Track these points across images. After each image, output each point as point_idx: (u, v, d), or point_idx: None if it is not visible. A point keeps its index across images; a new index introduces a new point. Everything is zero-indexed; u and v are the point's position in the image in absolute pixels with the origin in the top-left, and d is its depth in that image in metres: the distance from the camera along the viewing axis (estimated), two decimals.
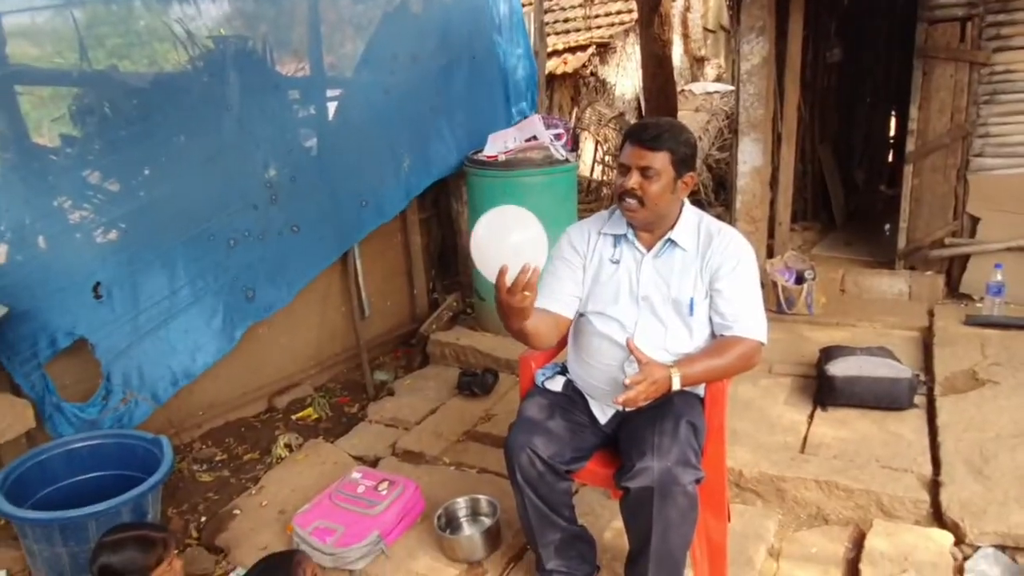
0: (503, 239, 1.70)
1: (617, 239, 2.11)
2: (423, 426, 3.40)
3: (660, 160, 1.93)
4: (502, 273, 1.69)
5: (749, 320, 2.00)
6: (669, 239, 2.05)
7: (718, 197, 6.78)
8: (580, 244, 2.14)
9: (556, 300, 2.10)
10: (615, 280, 2.08)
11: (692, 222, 2.06)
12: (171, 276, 3.00)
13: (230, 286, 3.18)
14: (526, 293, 1.72)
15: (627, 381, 1.85)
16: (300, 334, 3.83)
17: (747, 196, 4.40)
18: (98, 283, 2.80)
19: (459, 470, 3.02)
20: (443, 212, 4.70)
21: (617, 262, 2.09)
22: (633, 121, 8.90)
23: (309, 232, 3.49)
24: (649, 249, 2.08)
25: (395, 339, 4.40)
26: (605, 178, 7.58)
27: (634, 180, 1.95)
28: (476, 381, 3.64)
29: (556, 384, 2.25)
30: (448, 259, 4.84)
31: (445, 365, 4.05)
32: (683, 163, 1.96)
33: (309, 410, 3.63)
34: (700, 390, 2.16)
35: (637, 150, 1.93)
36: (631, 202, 1.99)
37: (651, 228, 2.05)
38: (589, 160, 8.11)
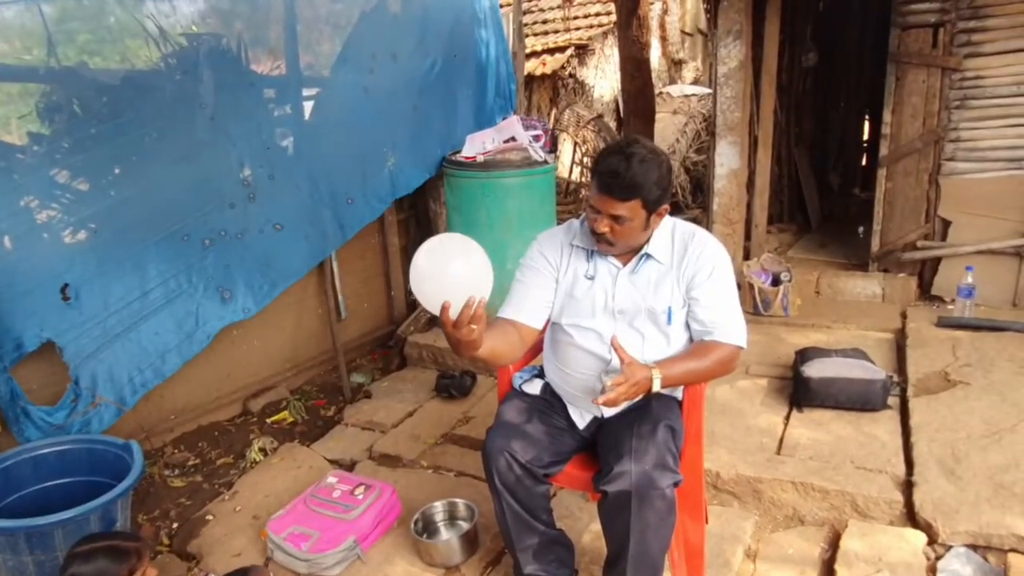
0: (445, 270, 1.64)
1: (590, 253, 2.09)
2: (400, 429, 3.38)
3: (631, 208, 1.90)
4: (445, 309, 1.64)
5: (728, 325, 2.01)
6: (645, 253, 2.04)
7: (695, 200, 6.82)
8: (552, 255, 2.11)
9: (522, 310, 2.08)
10: (590, 295, 2.06)
11: (666, 232, 2.06)
12: (142, 277, 2.95)
13: (205, 287, 3.14)
14: (472, 326, 1.67)
15: (608, 383, 1.84)
16: (275, 336, 3.79)
17: (724, 199, 4.42)
18: (66, 284, 2.74)
19: (437, 473, 3.01)
20: (421, 213, 4.67)
21: (592, 278, 2.07)
22: (611, 123, 8.93)
23: (294, 230, 3.46)
24: (625, 264, 2.07)
25: (372, 341, 4.36)
26: (584, 179, 7.59)
27: (605, 224, 1.93)
28: (454, 383, 3.62)
29: (534, 387, 2.24)
30: None
31: (423, 367, 4.03)
32: (657, 201, 1.94)
33: (284, 413, 3.60)
34: (678, 393, 2.16)
35: (607, 199, 1.90)
36: (602, 244, 1.99)
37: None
38: (568, 162, 8.11)
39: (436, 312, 1.64)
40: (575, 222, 2.17)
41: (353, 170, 3.75)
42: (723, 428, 2.97)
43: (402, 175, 3.97)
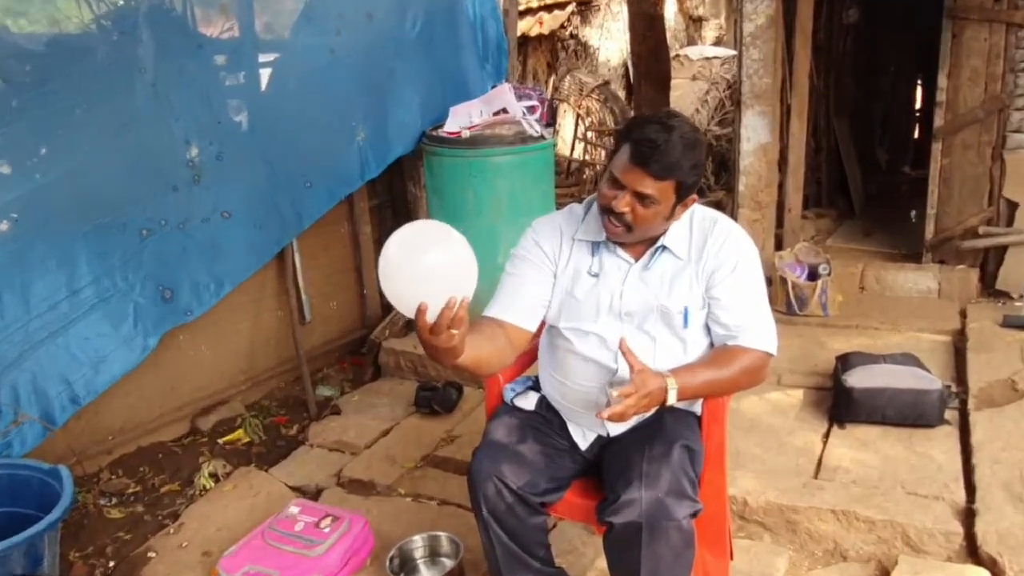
0: (420, 264, 1.60)
1: (595, 247, 2.08)
2: (374, 450, 3.38)
3: (662, 189, 1.90)
4: (421, 311, 1.61)
5: (755, 328, 2.00)
6: (661, 246, 2.04)
7: (719, 180, 6.82)
8: (550, 245, 2.10)
9: (512, 308, 2.07)
10: (594, 295, 2.06)
11: (683, 219, 2.05)
12: (71, 274, 2.93)
13: (142, 284, 3.11)
14: (453, 331, 1.65)
15: (615, 394, 1.83)
16: (228, 343, 3.77)
17: (752, 179, 4.42)
18: None
19: (416, 502, 3.00)
20: (398, 198, 4.65)
21: (596, 275, 2.07)
22: (620, 92, 8.95)
23: (244, 218, 3.44)
24: (637, 259, 2.06)
25: (341, 347, 4.35)
26: (588, 157, 7.59)
27: (626, 203, 1.92)
28: (437, 396, 3.61)
29: (528, 401, 2.23)
30: None
31: (400, 378, 4.02)
32: (689, 189, 1.94)
33: (239, 432, 3.59)
34: (696, 407, 2.15)
35: (638, 173, 1.88)
36: (616, 226, 1.97)
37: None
38: (569, 137, 8.11)
39: (410, 315, 1.62)
40: (577, 207, 2.16)
41: (317, 147, 3.73)
42: (751, 448, 2.96)
43: (374, 152, 3.95)
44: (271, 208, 3.56)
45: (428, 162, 3.96)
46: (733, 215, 4.50)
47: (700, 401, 2.13)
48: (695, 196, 2.00)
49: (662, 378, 1.90)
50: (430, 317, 1.62)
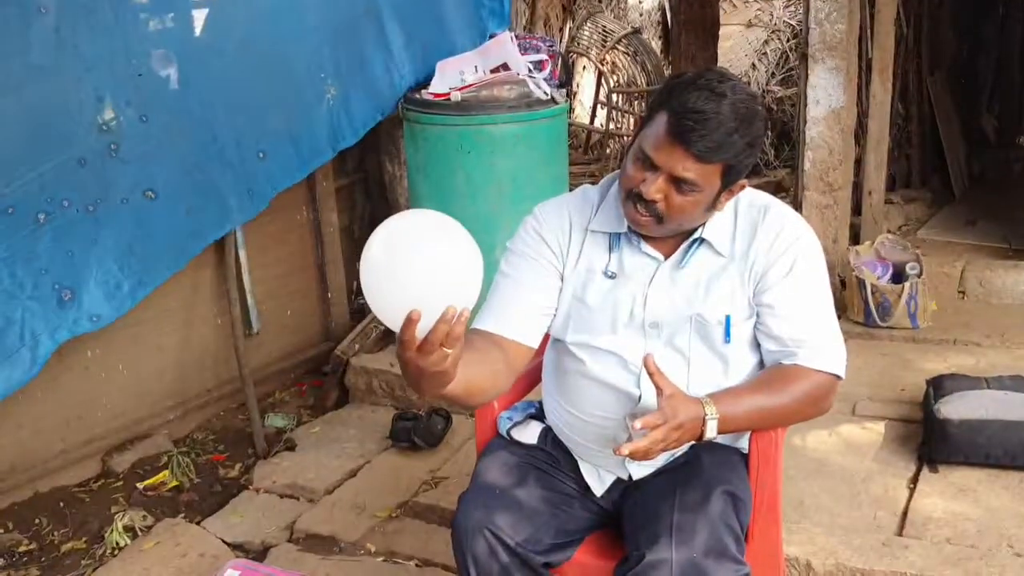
0: (413, 265, 1.58)
1: (614, 240, 2.09)
2: (338, 496, 3.38)
3: (706, 173, 1.88)
4: (412, 321, 1.58)
5: (818, 344, 2.00)
6: (699, 238, 2.04)
7: (779, 154, 6.82)
8: (556, 238, 2.11)
9: (509, 320, 2.07)
10: (611, 301, 2.07)
11: (728, 205, 2.05)
12: None
13: (35, 283, 3.11)
14: (446, 350, 1.64)
15: (638, 425, 1.83)
16: (151, 360, 3.77)
17: (821, 153, 4.41)
18: None
19: (390, 563, 2.99)
20: (371, 177, 4.66)
21: (614, 276, 2.08)
22: (654, 43, 8.95)
23: (173, 199, 3.43)
24: (667, 255, 2.06)
25: (298, 366, 4.35)
26: (613, 126, 7.60)
27: (658, 188, 1.91)
28: (418, 427, 3.61)
29: (529, 434, 2.23)
30: None
31: (372, 404, 4.03)
32: (739, 172, 1.94)
33: (164, 474, 3.59)
34: (743, 442, 2.15)
35: (677, 152, 1.87)
36: (644, 216, 1.96)
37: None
38: (588, 101, 8.12)
39: (396, 326, 1.61)
40: (591, 190, 2.16)
41: (274, 108, 3.73)
42: (816, 496, 2.96)
43: (348, 115, 3.95)
44: (210, 186, 3.56)
45: (409, 131, 3.96)
46: (797, 200, 4.49)
47: (747, 436, 2.13)
48: (745, 182, 1.99)
49: (698, 405, 1.90)
50: (421, 331, 1.59)
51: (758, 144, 1.94)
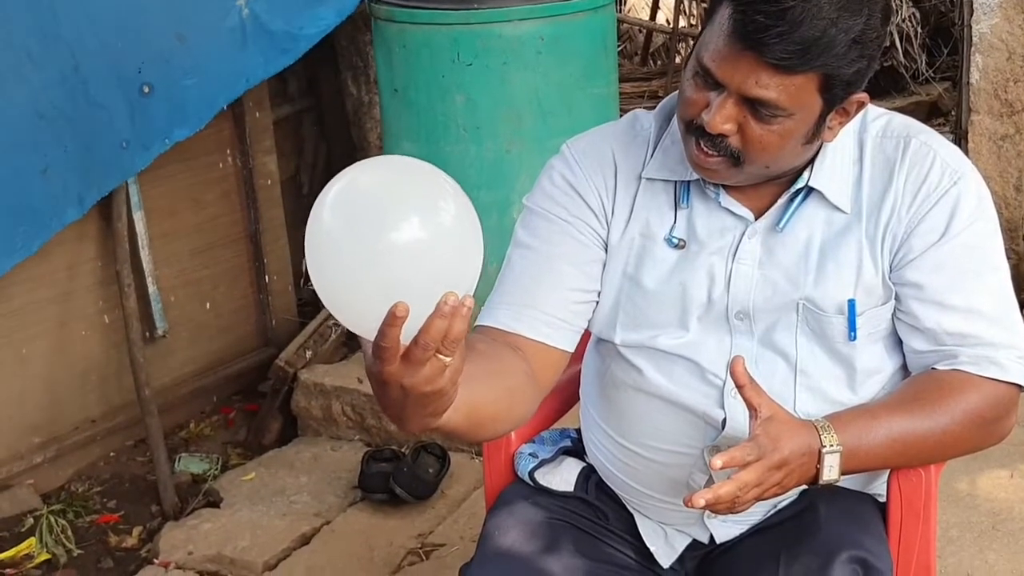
0: (387, 237, 1.55)
1: (682, 191, 2.10)
2: (281, 574, 3.41)
3: (798, 89, 1.87)
4: (396, 319, 1.50)
5: (992, 341, 1.99)
6: (805, 187, 2.03)
7: (932, 60, 6.79)
8: (595, 192, 2.12)
9: (531, 313, 2.07)
10: (678, 282, 2.07)
11: (845, 136, 2.04)
12: None
13: None
14: (443, 358, 1.65)
15: (718, 464, 1.83)
16: (7, 376, 3.81)
17: (997, 57, 4.40)
18: None
19: None
20: (328, 104, 4.68)
21: (682, 244, 2.08)
22: None
23: (18, 154, 3.48)
24: (759, 213, 2.06)
25: (223, 384, 4.40)
26: (688, 23, 7.59)
27: (726, 115, 1.89)
28: (401, 472, 3.63)
29: (562, 477, 2.24)
30: None
31: (332, 437, 4.07)
32: (850, 82, 1.91)
33: (29, 543, 3.62)
34: (878, 486, 2.16)
35: (749, 61, 1.85)
36: (712, 157, 1.95)
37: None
38: None
39: (366, 329, 1.57)
40: (644, 117, 2.16)
41: (160, 21, 3.77)
42: (991, 566, 2.97)
43: (274, 25, 3.98)
44: (74, 133, 3.60)
45: (381, 36, 3.97)
46: (960, 128, 4.48)
47: (884, 477, 2.13)
48: (863, 96, 1.98)
49: (811, 432, 1.89)
50: (407, 334, 1.53)
51: (873, 40, 1.90)
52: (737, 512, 1.89)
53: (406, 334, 1.50)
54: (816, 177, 2.02)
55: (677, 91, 2.07)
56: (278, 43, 4.01)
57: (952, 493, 3.13)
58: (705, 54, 1.88)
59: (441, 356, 1.52)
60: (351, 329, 1.58)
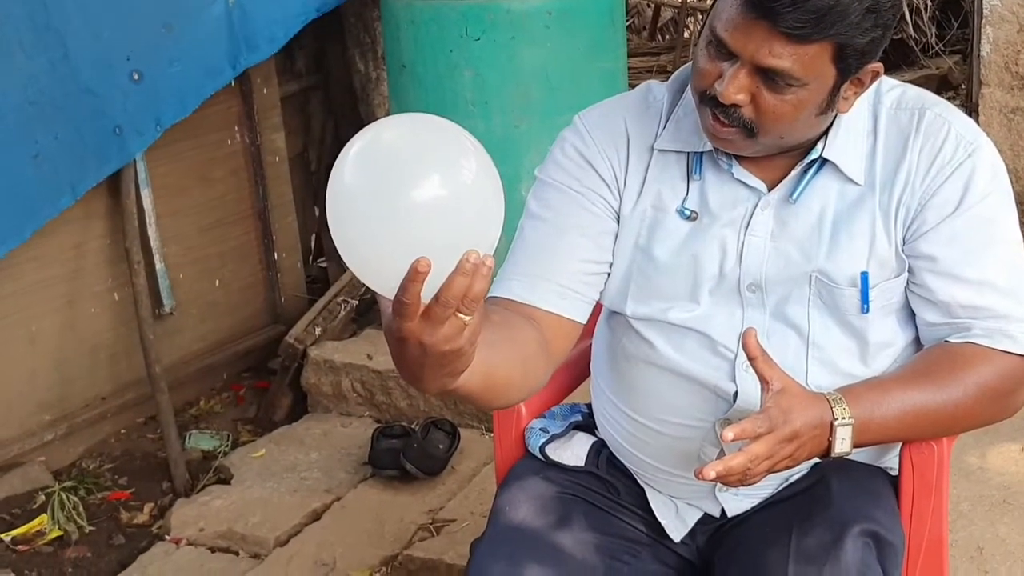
0: (412, 192, 1.55)
1: (695, 162, 2.09)
2: (294, 549, 3.41)
3: (812, 59, 1.87)
4: (419, 274, 1.48)
5: (1002, 313, 1.99)
6: (819, 159, 2.02)
7: (942, 33, 6.76)
8: (607, 163, 2.12)
9: (544, 284, 2.07)
10: (690, 253, 2.07)
11: (859, 107, 2.03)
12: None
13: None
14: (463, 316, 1.64)
15: (729, 435, 1.82)
16: (18, 355, 3.82)
17: (1008, 30, 4.38)
18: None
19: None
20: (335, 80, 4.67)
21: (694, 216, 2.09)
22: None
23: (9, 141, 3.49)
24: (773, 184, 2.06)
25: (232, 361, 4.41)
26: None
27: (739, 86, 1.89)
28: (411, 448, 3.64)
29: (573, 452, 2.23)
30: None
31: (342, 414, 4.07)
32: (864, 52, 1.90)
33: (41, 520, 3.63)
34: (890, 459, 2.16)
35: (762, 30, 1.84)
36: (726, 127, 1.94)
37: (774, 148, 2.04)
38: None
39: (387, 287, 1.57)
40: (657, 89, 2.16)
41: (146, 10, 3.78)
42: (1002, 541, 2.96)
43: (260, 11, 3.99)
44: (65, 120, 3.61)
45: (389, 11, 3.97)
46: (971, 101, 4.47)
47: (897, 450, 2.13)
48: (878, 66, 1.97)
49: (822, 404, 1.89)
50: (428, 292, 1.53)
51: (888, 9, 1.89)
52: (749, 485, 1.90)
53: (426, 291, 1.50)
54: (830, 148, 2.01)
55: (690, 62, 2.07)
56: (263, 31, 4.03)
57: (963, 467, 3.13)
58: (718, 24, 1.87)
59: (461, 315, 1.52)
60: (370, 286, 1.57)
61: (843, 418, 1.88)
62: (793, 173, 2.04)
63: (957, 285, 1.99)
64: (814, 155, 2.02)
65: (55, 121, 3.59)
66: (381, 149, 1.60)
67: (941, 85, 6.10)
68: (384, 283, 1.53)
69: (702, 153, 2.07)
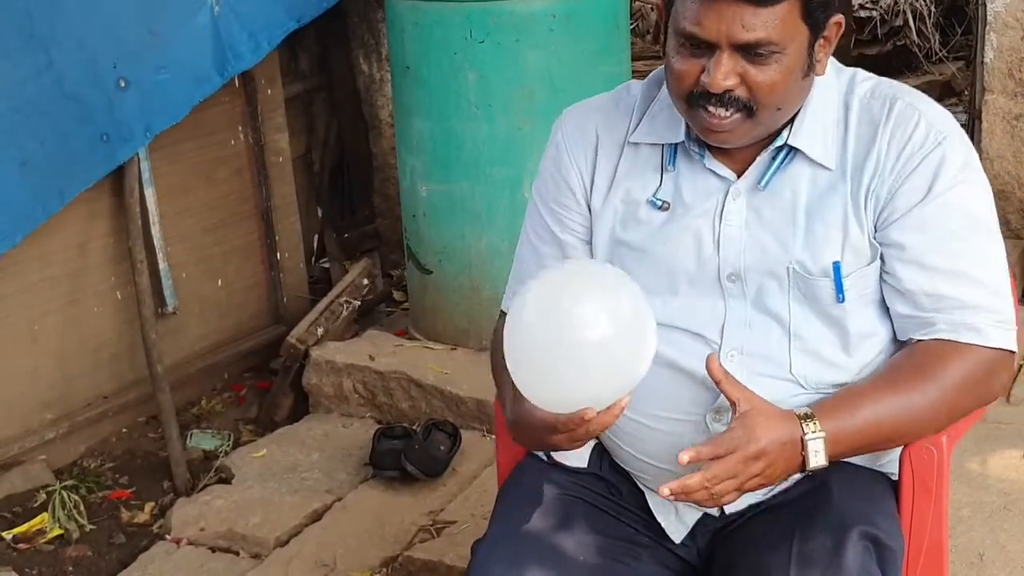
0: (579, 339, 1.81)
1: (668, 154, 2.11)
2: (295, 550, 3.41)
3: (783, 21, 1.88)
4: (584, 421, 1.84)
5: (969, 304, 1.99)
6: (785, 145, 2.03)
7: (945, 40, 6.75)
8: (577, 169, 2.18)
9: None
10: (662, 242, 2.09)
11: (829, 97, 2.05)
12: None
13: None
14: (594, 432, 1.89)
15: (685, 458, 1.85)
16: (20, 353, 3.82)
17: (1012, 36, 4.38)
18: None
19: None
20: (338, 81, 4.67)
21: (666, 206, 2.10)
22: None
23: None
24: (742, 172, 2.08)
25: (234, 361, 4.41)
26: None
27: (726, 71, 1.90)
28: (412, 449, 3.64)
29: (576, 453, 2.21)
30: (352, 183, 4.82)
31: (344, 415, 4.07)
32: (825, 3, 1.93)
33: (42, 518, 3.62)
34: (889, 462, 2.15)
35: (730, 6, 1.87)
36: (727, 116, 1.96)
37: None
38: None
39: (548, 410, 1.87)
40: (635, 86, 2.19)
41: (131, 17, 3.79)
42: (1002, 546, 2.96)
43: (246, 23, 4.00)
44: (51, 127, 3.62)
45: (393, 12, 3.97)
46: (974, 107, 4.46)
47: (896, 455, 2.12)
48: (839, 17, 1.98)
49: (791, 421, 1.90)
50: (596, 426, 1.86)
51: None
52: (725, 504, 1.97)
53: (596, 428, 1.89)
54: (796, 136, 2.03)
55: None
56: (246, 40, 4.03)
57: (964, 473, 3.13)
58: (685, 22, 1.91)
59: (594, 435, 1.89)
60: (534, 403, 1.89)
61: (812, 432, 1.90)
62: (760, 159, 2.06)
63: (924, 274, 2.00)
64: (780, 142, 2.04)
65: (40, 128, 3.60)
66: (557, 296, 1.86)
67: (944, 91, 6.10)
68: (549, 408, 1.89)
69: (676, 145, 2.09)
